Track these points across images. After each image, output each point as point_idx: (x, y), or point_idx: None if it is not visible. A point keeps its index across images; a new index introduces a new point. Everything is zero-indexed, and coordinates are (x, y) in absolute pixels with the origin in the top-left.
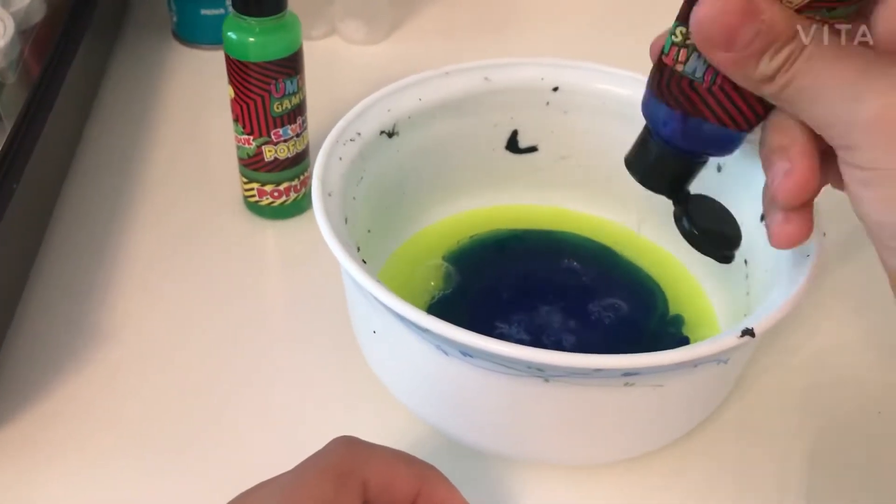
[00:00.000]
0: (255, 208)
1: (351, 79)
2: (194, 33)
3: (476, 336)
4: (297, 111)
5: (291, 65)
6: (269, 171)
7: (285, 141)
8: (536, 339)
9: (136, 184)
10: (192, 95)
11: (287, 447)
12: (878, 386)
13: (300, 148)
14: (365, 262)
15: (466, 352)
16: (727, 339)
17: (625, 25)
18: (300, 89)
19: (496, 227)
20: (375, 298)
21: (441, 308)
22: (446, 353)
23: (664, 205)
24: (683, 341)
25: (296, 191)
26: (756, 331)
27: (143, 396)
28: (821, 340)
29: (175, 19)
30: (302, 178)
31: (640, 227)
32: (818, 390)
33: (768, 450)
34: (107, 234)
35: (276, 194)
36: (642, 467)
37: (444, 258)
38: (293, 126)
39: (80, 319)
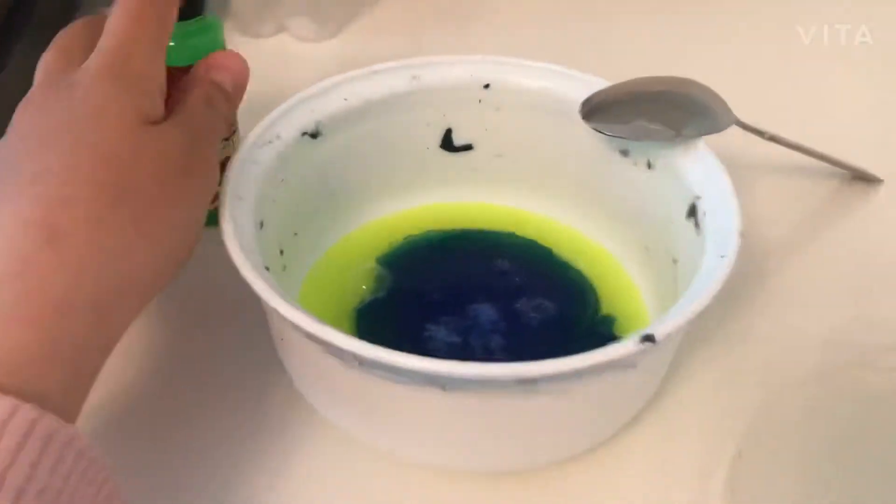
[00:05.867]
0: None
1: (303, 77)
2: None
3: (360, 343)
4: None
5: None
6: None
7: None
8: (465, 341)
9: None
10: None
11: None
12: (815, 385)
13: (229, 153)
14: (285, 267)
15: (360, 360)
16: (626, 345)
17: (595, 20)
18: None
19: (431, 227)
20: (262, 299)
21: (371, 311)
22: (343, 361)
23: (602, 201)
24: (613, 341)
25: None
26: (657, 337)
27: None
28: (758, 338)
29: None
30: None
31: None
32: (752, 390)
33: (694, 452)
34: None
35: None
36: (561, 474)
37: (376, 260)
38: None
39: None
